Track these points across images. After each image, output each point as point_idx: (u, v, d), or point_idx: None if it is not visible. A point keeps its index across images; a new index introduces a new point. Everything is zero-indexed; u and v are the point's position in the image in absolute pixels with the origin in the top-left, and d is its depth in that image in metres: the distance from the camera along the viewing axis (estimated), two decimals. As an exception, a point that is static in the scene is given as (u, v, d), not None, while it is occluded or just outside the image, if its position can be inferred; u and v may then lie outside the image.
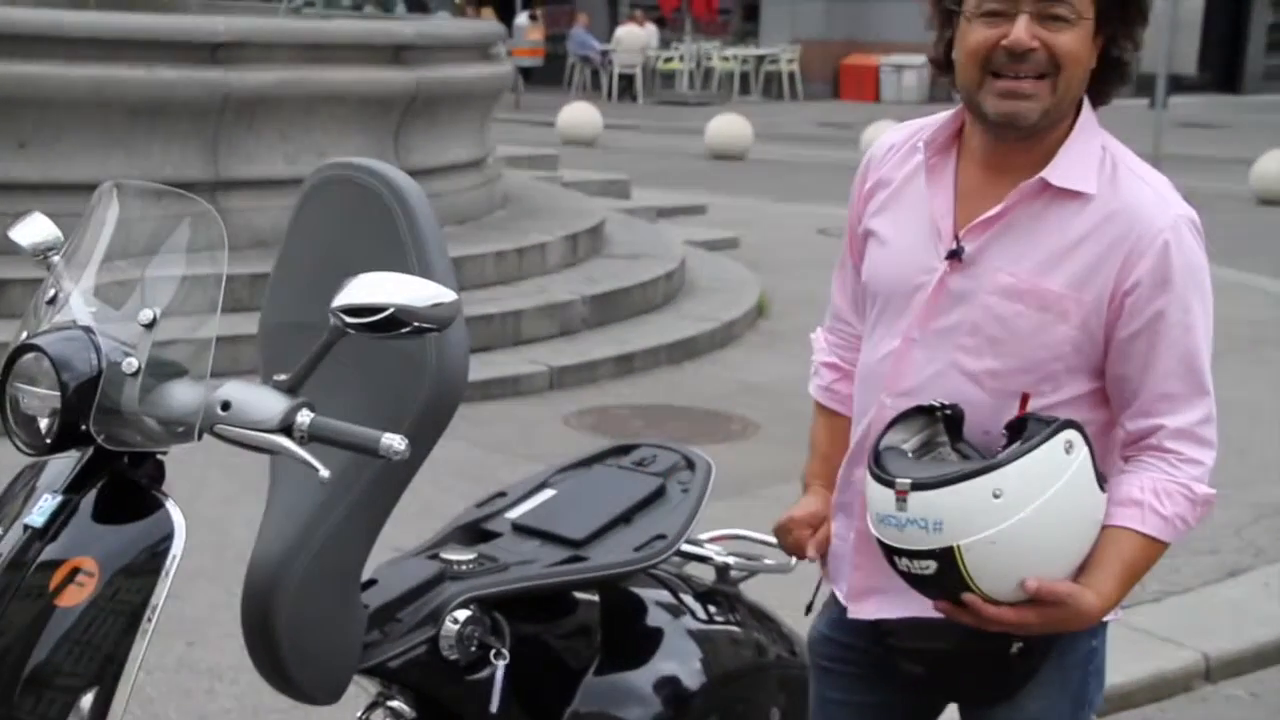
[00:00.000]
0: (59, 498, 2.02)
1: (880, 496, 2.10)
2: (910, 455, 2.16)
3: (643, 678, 2.79)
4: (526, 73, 25.83)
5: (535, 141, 16.45)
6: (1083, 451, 2.10)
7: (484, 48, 10.50)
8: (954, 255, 2.24)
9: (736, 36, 30.63)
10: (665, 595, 2.92)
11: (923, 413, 2.20)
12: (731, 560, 3.05)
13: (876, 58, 27.85)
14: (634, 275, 9.20)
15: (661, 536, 2.78)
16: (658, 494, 2.91)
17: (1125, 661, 4.58)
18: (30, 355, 2.01)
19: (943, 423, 2.20)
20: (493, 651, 2.54)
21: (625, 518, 2.85)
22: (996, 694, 2.33)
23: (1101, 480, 2.14)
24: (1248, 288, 10.86)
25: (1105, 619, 2.34)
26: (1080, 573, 2.14)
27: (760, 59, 28.64)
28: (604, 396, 7.58)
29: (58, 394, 1.98)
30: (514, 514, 2.87)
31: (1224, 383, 7.44)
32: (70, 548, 1.99)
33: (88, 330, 2.03)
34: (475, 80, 9.85)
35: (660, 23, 29.52)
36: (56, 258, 2.22)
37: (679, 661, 2.84)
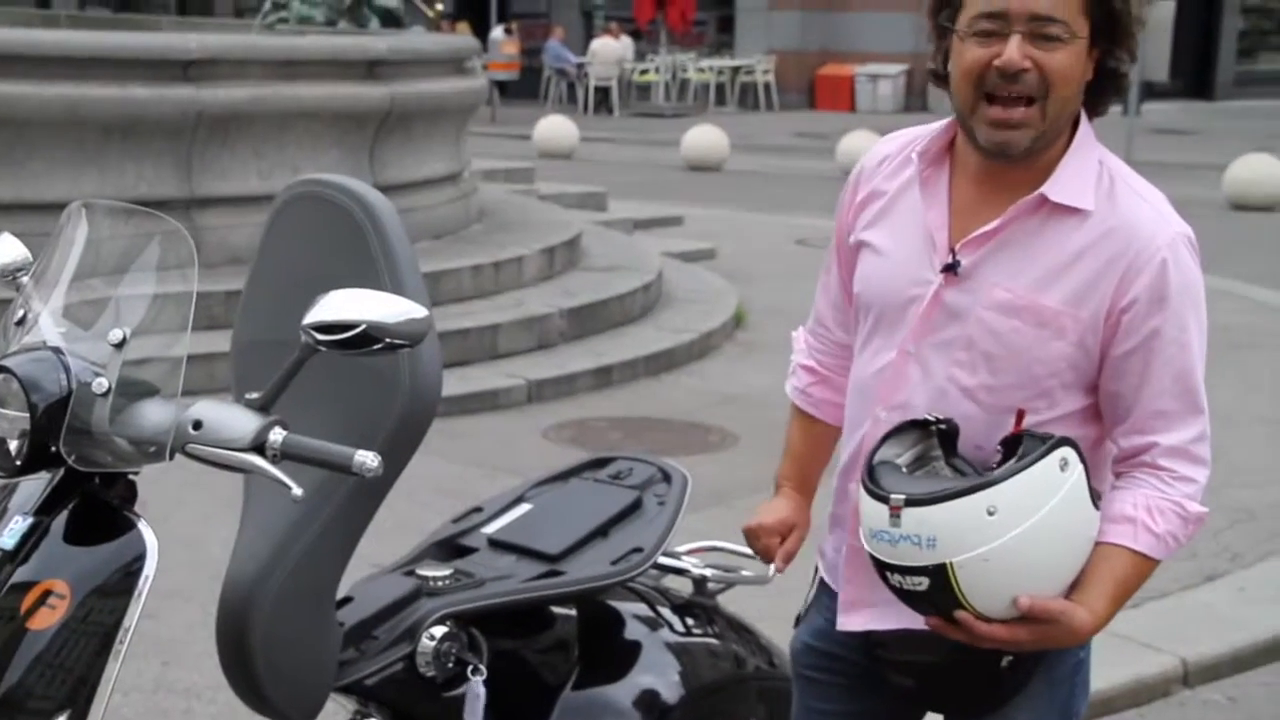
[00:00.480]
0: (30, 520, 2.00)
1: (873, 511, 2.09)
2: (904, 470, 2.14)
3: (621, 691, 2.79)
4: (502, 86, 25.83)
5: (511, 155, 16.46)
6: (1078, 469, 2.09)
7: (458, 62, 10.51)
8: (950, 269, 2.22)
9: (712, 48, 30.67)
10: (643, 608, 2.92)
11: (917, 427, 2.19)
12: (709, 572, 3.04)
13: (852, 68, 27.90)
14: (611, 288, 9.21)
15: (638, 550, 2.78)
16: (634, 507, 2.91)
17: (1104, 667, 4.57)
18: (-1, 376, 2.00)
19: (937, 437, 2.19)
20: (470, 668, 2.53)
21: (602, 531, 2.84)
22: (985, 707, 2.32)
23: (1095, 497, 2.14)
24: (1221, 292, 10.90)
25: None
26: (1073, 589, 2.14)
27: (736, 70, 28.69)
28: (582, 409, 7.58)
29: (27, 415, 1.96)
30: (490, 529, 2.86)
31: (1198, 388, 7.24)
32: (42, 570, 1.97)
33: (57, 351, 2.02)
34: (450, 95, 9.85)
35: (635, 35, 29.54)
36: (25, 278, 2.21)
37: (657, 674, 2.84)
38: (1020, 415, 2.17)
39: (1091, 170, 2.20)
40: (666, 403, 7.72)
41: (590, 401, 7.67)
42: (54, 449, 1.98)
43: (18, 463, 1.99)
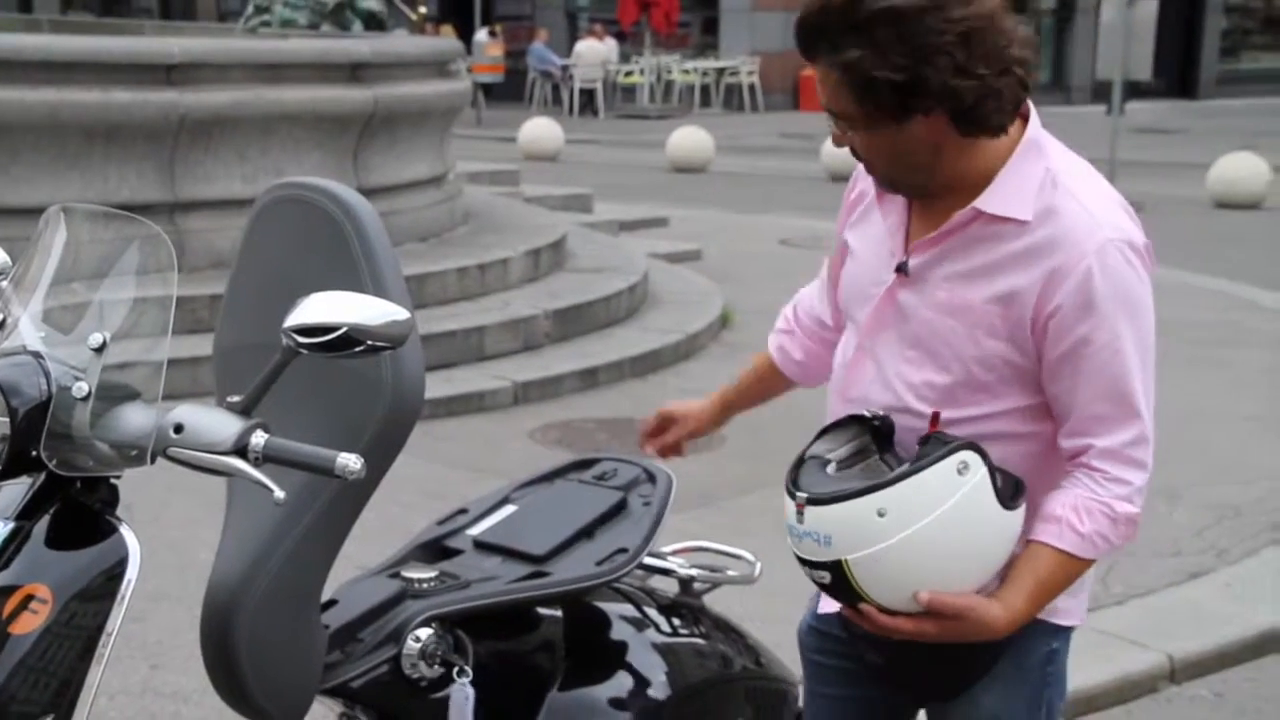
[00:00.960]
0: (10, 524, 1.99)
1: (788, 506, 2.21)
2: (834, 466, 2.24)
3: (607, 692, 2.78)
4: (487, 89, 25.83)
5: (496, 157, 16.45)
6: (979, 472, 2.15)
7: (442, 64, 10.50)
8: (901, 269, 2.31)
9: (696, 49, 30.69)
10: (629, 609, 2.91)
11: (856, 421, 2.29)
12: (695, 572, 3.04)
13: (835, 68, 27.88)
14: (597, 289, 9.21)
15: (623, 550, 2.78)
16: (619, 508, 2.90)
17: (1090, 664, 4.60)
18: (-22, 382, 1.99)
19: (871, 433, 2.28)
20: (455, 669, 2.53)
21: (587, 532, 2.84)
22: (953, 687, 2.39)
23: (1008, 497, 2.18)
24: (1207, 290, 10.95)
25: (1067, 623, 2.40)
26: (1001, 582, 2.21)
27: (720, 71, 28.71)
28: (568, 411, 7.57)
29: (7, 420, 1.95)
30: (475, 530, 2.86)
31: (1183, 385, 7.54)
32: (23, 574, 1.96)
33: (37, 355, 2.01)
34: (433, 97, 9.84)
35: (620, 37, 29.55)
36: (4, 283, 2.21)
37: (644, 675, 2.84)
38: (935, 417, 2.24)
39: (1033, 178, 2.22)
40: (653, 403, 7.64)
41: (576, 403, 7.67)
42: (35, 454, 1.97)
43: (-2, 467, 1.98)
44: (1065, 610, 2.38)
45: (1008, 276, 2.20)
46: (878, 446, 2.28)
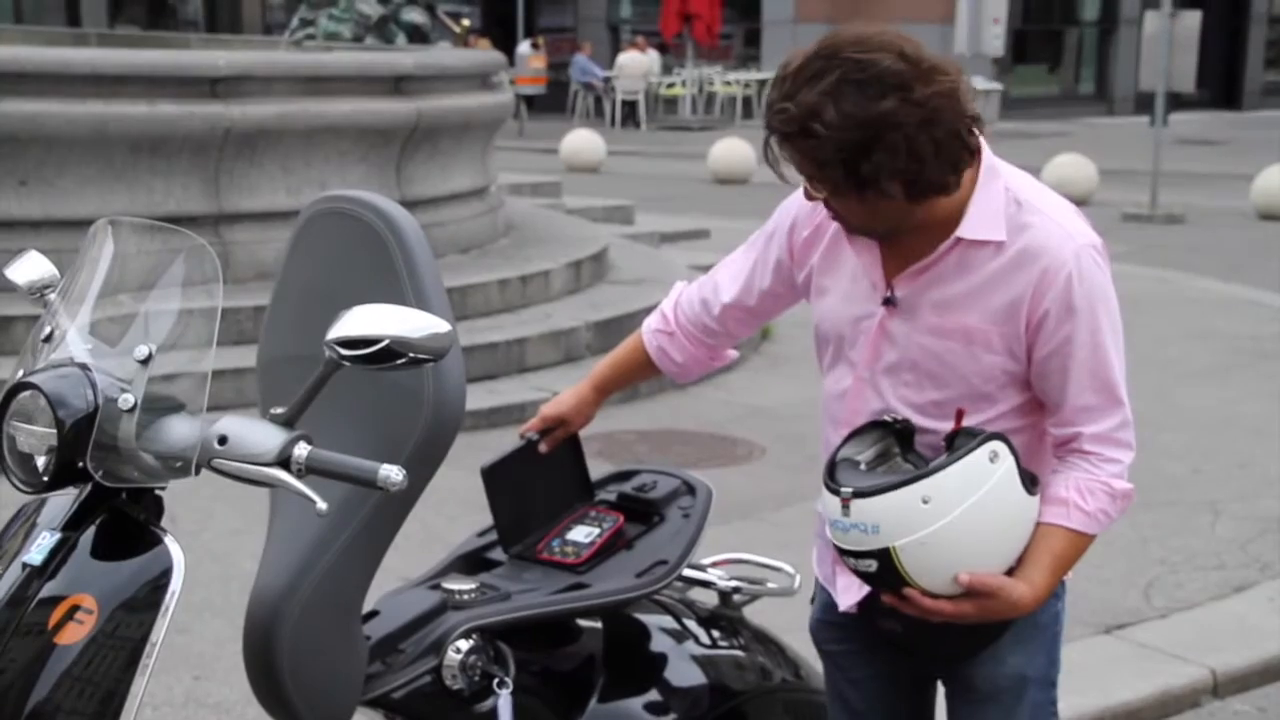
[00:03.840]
0: (57, 535, 2.02)
1: (830, 504, 2.35)
2: (864, 466, 2.40)
3: (646, 703, 2.79)
4: (529, 101, 25.90)
5: (538, 169, 16.49)
6: (1008, 460, 2.34)
7: (484, 77, 10.54)
8: (889, 302, 2.46)
9: (738, 61, 30.69)
10: (668, 621, 2.92)
11: (878, 426, 2.46)
12: (734, 584, 3.05)
13: (878, 79, 27.82)
14: (638, 301, 9.20)
15: (663, 562, 2.79)
16: (658, 520, 2.91)
17: (1132, 678, 4.58)
18: (26, 393, 2.01)
19: (894, 436, 2.45)
20: (496, 680, 2.54)
21: (626, 544, 2.85)
22: (971, 648, 2.53)
23: (1029, 483, 2.38)
24: (1250, 302, 10.88)
25: (1067, 580, 2.58)
26: (1018, 565, 2.38)
27: (762, 83, 28.63)
28: (609, 422, 7.57)
29: (54, 431, 1.98)
30: (515, 542, 2.87)
31: (1225, 397, 7.51)
32: (69, 585, 1.98)
33: (84, 367, 2.03)
34: (476, 109, 9.88)
35: (662, 49, 29.57)
36: (52, 295, 2.23)
37: (683, 687, 2.84)
38: (960, 414, 2.42)
39: (999, 200, 2.39)
40: (693, 415, 7.72)
41: (617, 414, 7.67)
42: (81, 465, 2.00)
43: (45, 479, 2.00)
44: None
45: (998, 293, 2.38)
46: (900, 448, 2.45)
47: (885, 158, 2.22)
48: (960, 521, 2.28)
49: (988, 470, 2.32)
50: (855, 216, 2.38)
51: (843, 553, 2.37)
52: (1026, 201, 2.39)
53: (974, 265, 2.39)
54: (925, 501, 2.27)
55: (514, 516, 2.83)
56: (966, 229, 2.38)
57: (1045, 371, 2.41)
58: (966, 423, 2.41)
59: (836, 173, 2.27)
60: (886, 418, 2.45)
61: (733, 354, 2.95)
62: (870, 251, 2.47)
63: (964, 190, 2.37)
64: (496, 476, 2.82)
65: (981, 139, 2.38)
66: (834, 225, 2.52)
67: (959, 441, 2.36)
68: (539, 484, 2.88)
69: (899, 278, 2.44)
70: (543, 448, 2.88)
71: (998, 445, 2.33)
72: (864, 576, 2.38)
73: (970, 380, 2.42)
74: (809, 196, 2.40)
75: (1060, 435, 2.46)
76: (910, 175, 2.25)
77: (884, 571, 2.32)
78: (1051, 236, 2.37)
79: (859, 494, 2.30)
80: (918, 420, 2.45)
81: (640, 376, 3.00)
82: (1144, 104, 20.02)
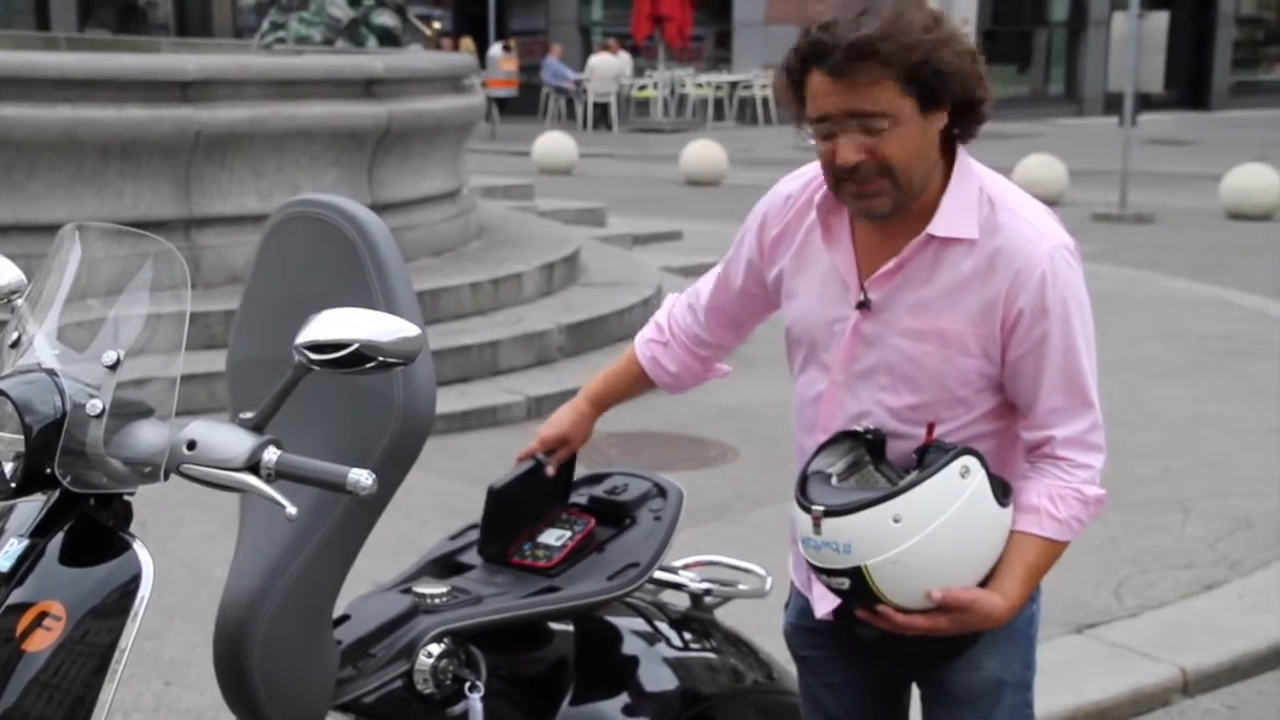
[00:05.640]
0: (25, 541, 2.00)
1: (802, 521, 2.33)
2: (835, 478, 2.39)
3: (619, 706, 2.80)
4: (501, 103, 25.87)
5: (511, 171, 16.48)
6: (979, 475, 2.33)
7: (455, 80, 10.53)
8: (863, 305, 2.44)
9: (710, 63, 30.71)
10: (640, 623, 2.92)
11: (849, 437, 2.43)
12: (706, 586, 3.05)
13: (849, 81, 27.86)
14: (610, 303, 9.22)
15: (634, 564, 2.79)
16: (629, 523, 2.92)
17: (1102, 677, 4.60)
18: (-7, 400, 2.00)
19: (865, 446, 2.43)
20: (467, 684, 2.54)
21: (597, 546, 2.85)
22: (946, 653, 2.51)
23: (1001, 494, 2.36)
24: (1220, 301, 10.94)
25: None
26: (991, 575, 2.37)
27: (734, 85, 28.72)
28: (581, 425, 7.56)
29: (21, 438, 1.97)
30: (486, 546, 2.86)
31: (1194, 396, 7.53)
32: (37, 591, 1.97)
33: (51, 373, 2.02)
34: (447, 112, 9.87)
35: (633, 51, 29.58)
36: (19, 300, 2.22)
37: (655, 689, 2.85)
38: (930, 428, 2.40)
39: (972, 198, 2.39)
40: (665, 417, 7.72)
41: (590, 417, 7.68)
42: (49, 471, 1.99)
43: (13, 485, 1.99)
44: None
45: (973, 295, 2.37)
46: (872, 459, 2.42)
47: (947, 61, 2.27)
48: (932, 539, 2.27)
49: (959, 486, 2.30)
50: (911, 153, 2.31)
51: (815, 569, 2.36)
52: (1000, 201, 2.39)
53: (947, 265, 2.38)
54: (897, 520, 2.25)
55: (502, 530, 2.83)
56: (938, 226, 2.37)
57: (1018, 373, 2.40)
58: (943, 428, 2.40)
59: (911, 88, 2.26)
60: (858, 428, 2.43)
61: (724, 369, 2.94)
62: (845, 252, 2.46)
63: (937, 188, 2.38)
64: (500, 497, 2.81)
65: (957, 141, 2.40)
66: (804, 225, 2.51)
67: (930, 457, 2.34)
68: (531, 500, 2.89)
69: (872, 280, 2.43)
70: (550, 470, 2.87)
71: (969, 460, 2.32)
72: (837, 592, 2.37)
73: (946, 384, 2.41)
74: (840, 164, 2.32)
75: (1032, 439, 2.44)
76: (964, 91, 2.31)
77: (857, 589, 2.30)
78: (1025, 238, 2.36)
79: (830, 513, 2.28)
80: (893, 425, 2.43)
81: (634, 390, 2.97)
82: (1113, 104, 20.10)
